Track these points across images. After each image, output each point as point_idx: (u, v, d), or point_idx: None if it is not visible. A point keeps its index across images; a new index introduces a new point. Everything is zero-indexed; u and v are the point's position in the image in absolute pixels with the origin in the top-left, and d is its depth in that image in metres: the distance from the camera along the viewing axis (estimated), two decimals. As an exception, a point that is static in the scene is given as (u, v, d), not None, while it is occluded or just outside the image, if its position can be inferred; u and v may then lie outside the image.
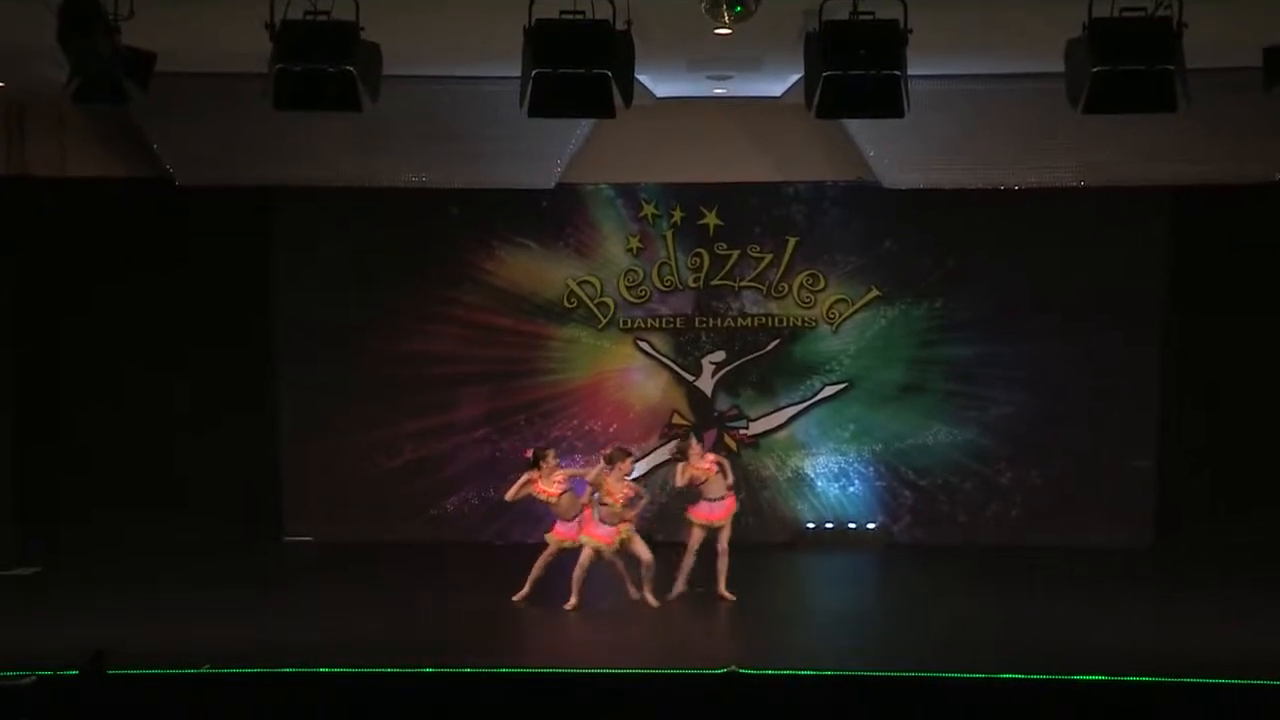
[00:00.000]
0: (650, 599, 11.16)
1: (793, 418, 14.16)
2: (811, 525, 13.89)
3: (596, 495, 11.23)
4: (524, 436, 14.11)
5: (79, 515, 13.44)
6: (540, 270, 14.15)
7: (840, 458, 14.08)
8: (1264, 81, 9.16)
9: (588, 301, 14.16)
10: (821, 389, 14.14)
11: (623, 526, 11.15)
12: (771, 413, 14.16)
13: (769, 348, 14.14)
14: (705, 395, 14.20)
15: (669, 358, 14.20)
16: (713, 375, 14.19)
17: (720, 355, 14.17)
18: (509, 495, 11.56)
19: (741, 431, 14.21)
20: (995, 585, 11.99)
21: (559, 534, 11.45)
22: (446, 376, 14.12)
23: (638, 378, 14.23)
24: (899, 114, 8.91)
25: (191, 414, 13.74)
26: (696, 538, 11.41)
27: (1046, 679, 8.47)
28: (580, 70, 8.72)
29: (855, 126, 12.92)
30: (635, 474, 11.87)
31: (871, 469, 14.05)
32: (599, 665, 9.00)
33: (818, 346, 14.14)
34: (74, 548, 13.02)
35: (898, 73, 8.74)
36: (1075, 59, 8.80)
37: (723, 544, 11.34)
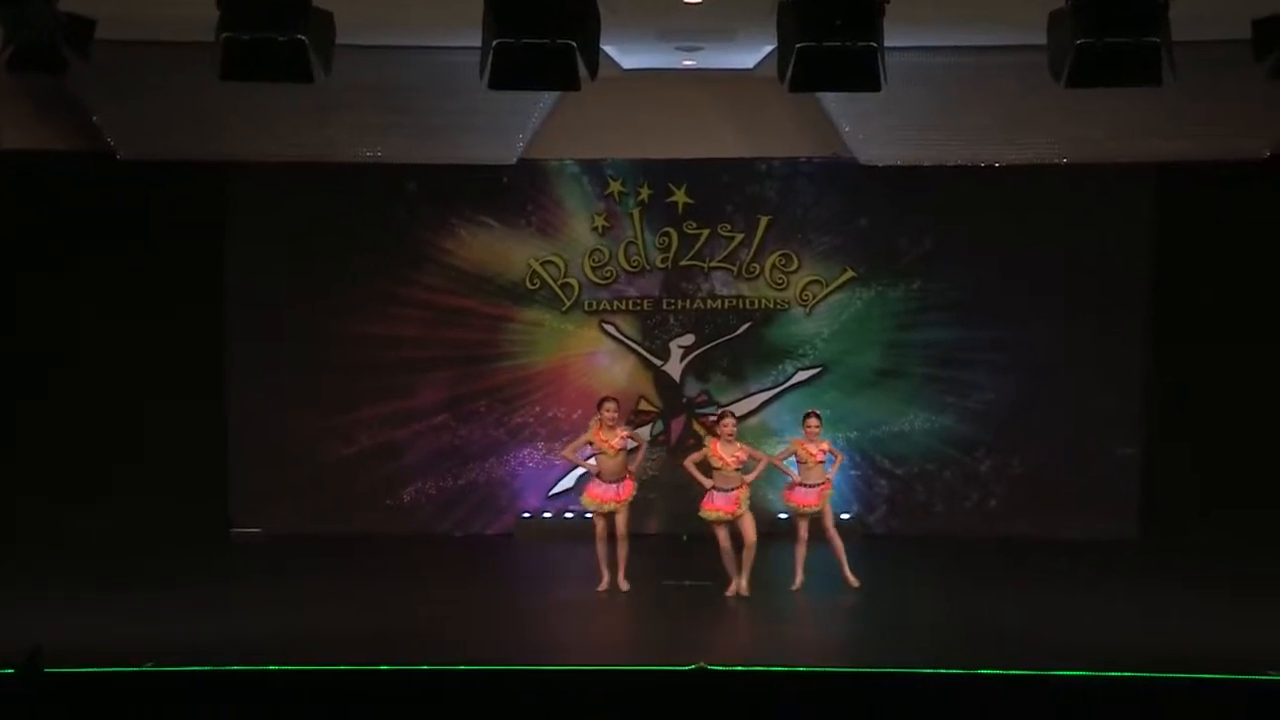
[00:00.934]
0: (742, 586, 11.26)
1: (764, 404, 14.18)
2: (784, 515, 13.89)
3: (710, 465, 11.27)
4: (484, 423, 14.11)
5: (5, 505, 13.30)
6: (502, 250, 14.10)
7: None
8: (1253, 54, 9.18)
9: (551, 283, 14.12)
10: (794, 374, 14.15)
11: (740, 493, 11.24)
12: (742, 398, 14.17)
13: (740, 331, 14.14)
14: (674, 380, 14.19)
15: (636, 341, 14.18)
16: (681, 359, 14.18)
17: (689, 339, 14.17)
18: (567, 451, 11.91)
19: (711, 418, 14.19)
20: (973, 578, 12.03)
21: (595, 496, 11.54)
22: (404, 360, 14.07)
23: (603, 362, 14.21)
24: (875, 87, 8.89)
25: (134, 399, 13.63)
26: (803, 528, 11.51)
27: (1025, 674, 8.49)
28: (544, 40, 8.67)
29: (830, 100, 12.91)
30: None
31: (846, 457, 14.02)
32: (563, 661, 8.98)
33: (790, 330, 14.14)
34: (3, 540, 12.89)
35: (874, 44, 8.73)
36: (1058, 31, 8.80)
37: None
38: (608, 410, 11.57)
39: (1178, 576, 12.11)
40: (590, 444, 11.61)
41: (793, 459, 11.71)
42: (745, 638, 10.24)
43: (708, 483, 11.35)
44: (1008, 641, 9.67)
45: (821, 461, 11.55)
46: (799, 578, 11.46)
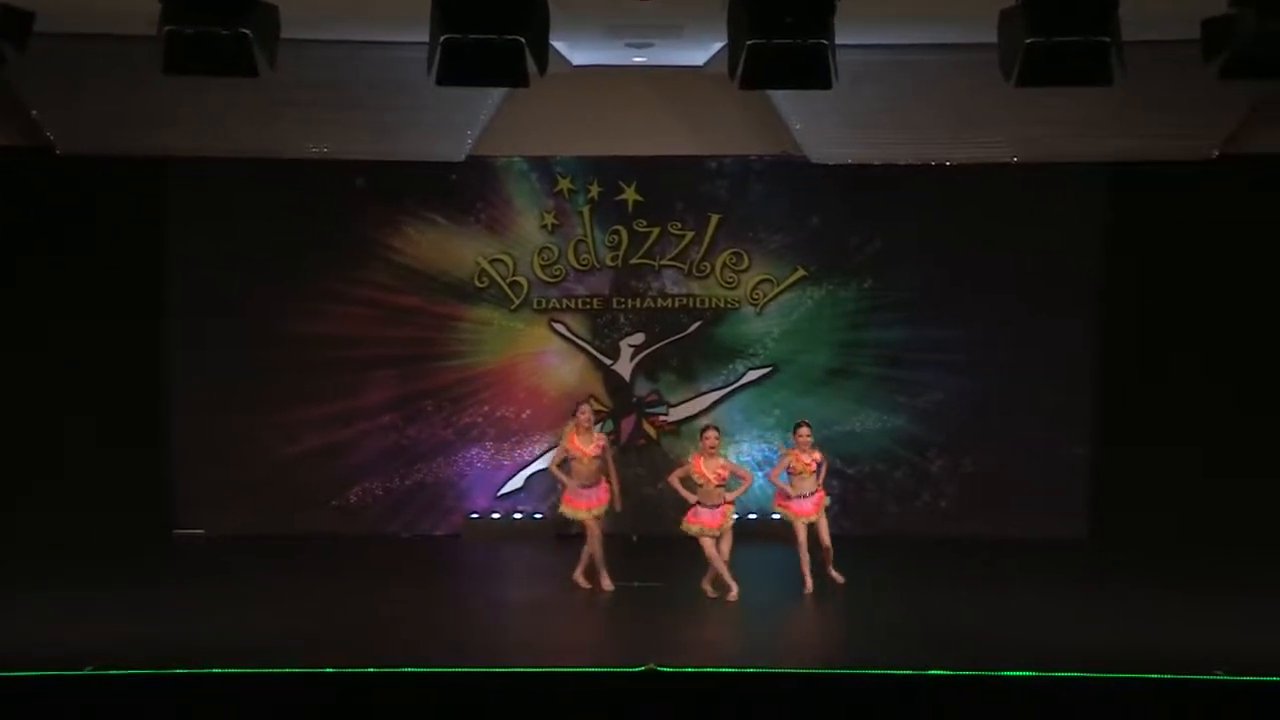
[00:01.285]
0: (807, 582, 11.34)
1: (715, 403, 14.21)
2: (734, 516, 13.93)
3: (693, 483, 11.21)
4: (432, 423, 14.08)
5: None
6: (450, 247, 14.07)
7: (765, 445, 14.15)
8: (1202, 54, 9.30)
9: (500, 281, 14.11)
10: (745, 373, 14.20)
11: (725, 509, 11.22)
12: (693, 398, 14.21)
13: (690, 330, 14.17)
14: (623, 380, 14.21)
15: (585, 340, 14.19)
16: (631, 359, 14.20)
17: (639, 338, 14.19)
18: (552, 467, 11.74)
19: (661, 418, 14.23)
20: (925, 578, 12.11)
21: (574, 504, 11.44)
22: (350, 359, 14.01)
23: (553, 361, 14.20)
24: (826, 85, 8.95)
25: (75, 399, 13.52)
26: (801, 533, 11.51)
27: (975, 675, 8.56)
28: (492, 36, 8.68)
29: (781, 98, 12.97)
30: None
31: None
32: (510, 664, 8.98)
33: (741, 329, 14.19)
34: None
35: (825, 42, 8.79)
36: (1009, 30, 8.89)
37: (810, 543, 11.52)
38: (582, 414, 11.48)
39: (1127, 576, 12.23)
40: (566, 450, 11.49)
41: (785, 472, 11.71)
42: (696, 639, 10.26)
43: (692, 498, 11.27)
44: (960, 642, 9.73)
45: (814, 471, 11.58)
46: (808, 583, 11.44)
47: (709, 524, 11.18)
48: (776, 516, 11.92)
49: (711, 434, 11.36)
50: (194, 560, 13.19)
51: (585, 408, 11.58)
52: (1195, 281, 13.69)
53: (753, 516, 13.66)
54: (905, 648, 9.60)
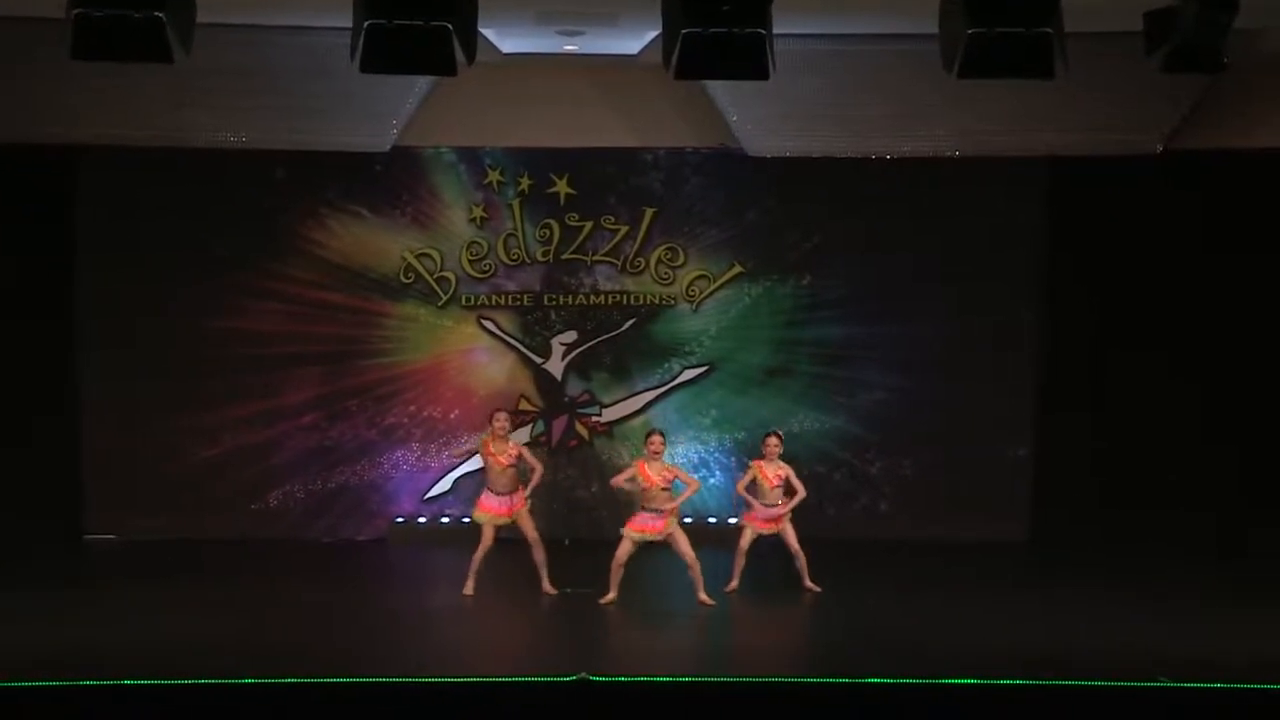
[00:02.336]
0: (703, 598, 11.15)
1: (649, 403, 14.22)
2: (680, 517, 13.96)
3: (638, 485, 11.13)
4: (355, 423, 14.01)
5: None
6: (374, 241, 14.00)
7: (700, 447, 14.17)
8: (1145, 47, 9.39)
9: (427, 276, 14.04)
10: (680, 372, 14.22)
11: (669, 517, 11.11)
12: (627, 398, 14.21)
13: (624, 328, 14.17)
14: (555, 379, 14.19)
15: (515, 338, 14.15)
16: (563, 357, 14.18)
17: (571, 335, 14.17)
18: (454, 453, 12.17)
19: (594, 418, 14.22)
20: (863, 582, 12.16)
21: (488, 509, 11.44)
22: (270, 357, 13.90)
23: (481, 359, 14.16)
24: (764, 76, 8.97)
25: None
26: (745, 539, 11.56)
27: (913, 683, 8.61)
28: (418, 22, 8.64)
29: (717, 89, 13.00)
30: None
31: (734, 459, 14.15)
32: (438, 674, 8.94)
33: (676, 326, 14.20)
34: None
35: (762, 31, 8.81)
36: (950, 20, 8.95)
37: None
38: (498, 422, 11.49)
39: (1068, 579, 12.35)
40: (480, 458, 11.57)
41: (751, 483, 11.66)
42: (631, 647, 10.26)
43: (637, 488, 11.23)
44: (900, 648, 9.78)
45: (779, 486, 11.53)
46: (734, 582, 11.51)
47: (652, 530, 11.12)
48: (688, 520, 11.88)
49: (656, 438, 11.32)
50: (104, 566, 13.05)
51: (501, 415, 11.59)
52: (1139, 279, 13.83)
53: (688, 520, 13.65)
54: (844, 655, 9.64)
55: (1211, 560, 12.86)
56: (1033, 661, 9.05)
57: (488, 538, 11.40)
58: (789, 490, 11.56)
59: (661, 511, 11.09)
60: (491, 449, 11.41)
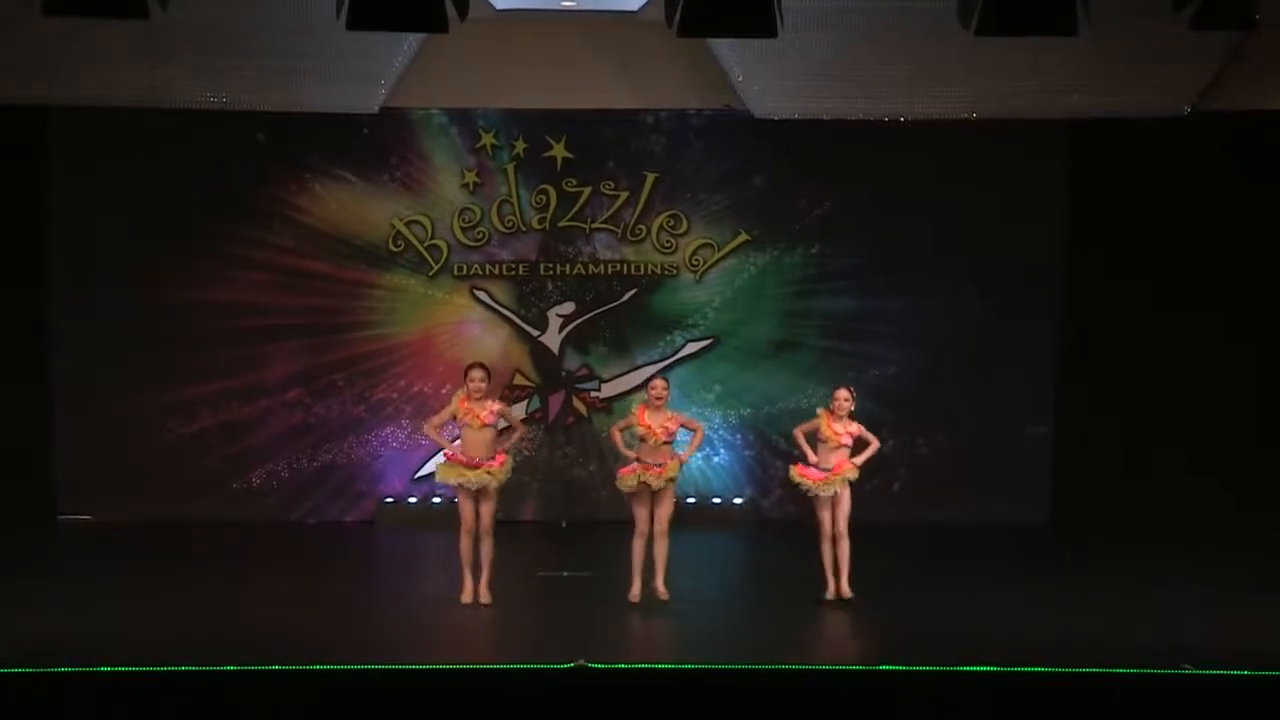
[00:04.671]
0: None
1: (651, 378, 14.19)
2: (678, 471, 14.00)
3: (636, 435, 10.50)
4: (342, 400, 14.05)
5: None
6: (361, 208, 14.01)
7: (704, 423, 14.16)
8: (1172, 2, 9.38)
9: (416, 244, 14.06)
10: (683, 346, 14.24)
11: (668, 465, 10.44)
12: (627, 373, 14.24)
13: (624, 299, 14.20)
14: (552, 352, 14.22)
15: (510, 309, 14.17)
16: (560, 330, 14.21)
17: (569, 307, 14.19)
18: (429, 428, 10.79)
19: (593, 394, 14.25)
20: (876, 567, 12.15)
21: (452, 459, 10.50)
22: (252, 330, 13.94)
23: (474, 332, 14.19)
24: (771, 34, 8.98)
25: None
26: (825, 520, 10.66)
27: (930, 670, 8.64)
28: (407, -24, 8.63)
29: (722, 47, 12.99)
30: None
31: (739, 436, 14.19)
32: (428, 661, 8.97)
33: (679, 298, 14.22)
34: None
35: (770, -14, 8.80)
36: (967, -26, 8.94)
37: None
38: (474, 378, 10.63)
39: (1092, 563, 12.38)
40: (454, 417, 10.66)
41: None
42: (630, 633, 10.29)
43: (631, 455, 10.57)
44: (914, 635, 9.81)
45: (847, 445, 10.70)
46: (829, 586, 10.63)
47: (652, 472, 10.42)
48: (692, 500, 10.76)
49: (659, 383, 10.74)
50: (79, 548, 13.09)
51: (478, 371, 10.66)
52: (1165, 247, 13.83)
53: (691, 501, 13.72)
54: (855, 642, 9.67)
55: (1249, 545, 12.84)
56: (1054, 649, 9.07)
57: (467, 515, 10.53)
58: (855, 452, 10.71)
59: (662, 466, 10.48)
60: (467, 405, 10.57)
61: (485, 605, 10.51)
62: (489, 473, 10.51)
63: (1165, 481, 13.60)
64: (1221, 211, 13.67)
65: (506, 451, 10.69)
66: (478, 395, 10.62)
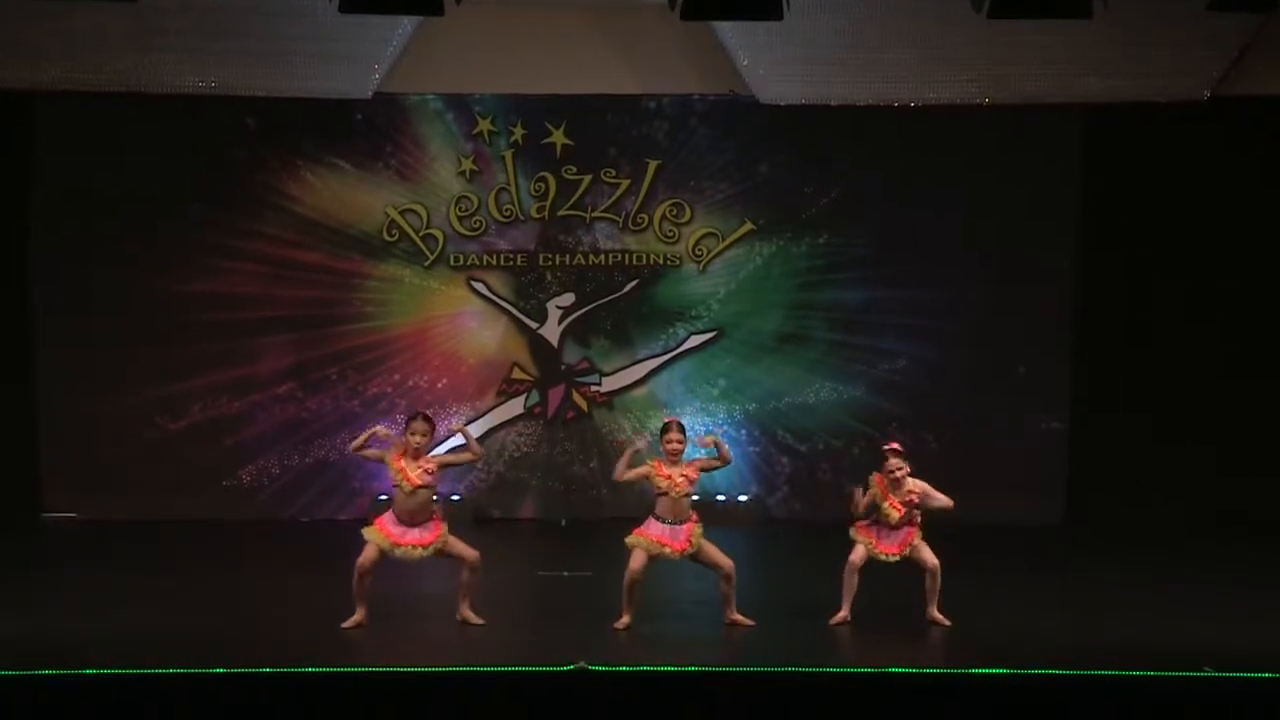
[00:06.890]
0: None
1: (652, 372, 14.26)
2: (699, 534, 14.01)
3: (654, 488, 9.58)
4: (336, 394, 14.04)
5: None
6: (355, 196, 14.01)
7: (708, 419, 14.19)
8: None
9: (412, 234, 14.05)
10: (686, 338, 14.24)
11: (691, 527, 9.59)
12: (628, 366, 14.24)
13: (625, 290, 14.20)
14: (551, 345, 14.21)
15: (508, 301, 14.17)
16: (560, 322, 14.20)
17: (568, 298, 14.19)
18: (354, 445, 9.77)
19: (593, 388, 14.24)
20: (882, 567, 12.19)
21: (382, 529, 9.67)
22: (242, 322, 13.94)
23: (471, 324, 14.18)
24: (777, 16, 8.97)
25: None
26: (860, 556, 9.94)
27: (939, 673, 8.64)
28: (401, -43, 8.62)
29: (727, 30, 12.97)
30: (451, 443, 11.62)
31: (744, 432, 14.19)
32: (426, 663, 8.97)
33: (682, 289, 14.22)
34: None
35: (776, -33, 8.80)
36: (980, -45, 8.93)
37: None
38: (415, 430, 9.62)
39: (1107, 563, 12.37)
40: (389, 470, 9.68)
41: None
42: (632, 635, 10.29)
43: (643, 472, 9.67)
44: (921, 637, 9.81)
45: (907, 511, 9.80)
46: (843, 612, 9.99)
47: (671, 546, 9.63)
48: (694, 498, 9.84)
49: (675, 436, 9.67)
50: (63, 547, 13.09)
51: (420, 424, 9.65)
52: (1184, 237, 13.83)
53: (694, 498, 13.69)
54: (860, 645, 9.66)
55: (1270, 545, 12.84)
56: (1068, 652, 9.07)
57: (368, 558, 9.64)
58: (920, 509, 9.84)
59: (682, 523, 9.62)
60: (402, 463, 9.59)
61: (477, 625, 9.93)
62: (420, 547, 9.64)
63: (1184, 479, 13.60)
64: (1242, 200, 13.66)
65: (439, 516, 9.73)
66: (416, 449, 9.63)
